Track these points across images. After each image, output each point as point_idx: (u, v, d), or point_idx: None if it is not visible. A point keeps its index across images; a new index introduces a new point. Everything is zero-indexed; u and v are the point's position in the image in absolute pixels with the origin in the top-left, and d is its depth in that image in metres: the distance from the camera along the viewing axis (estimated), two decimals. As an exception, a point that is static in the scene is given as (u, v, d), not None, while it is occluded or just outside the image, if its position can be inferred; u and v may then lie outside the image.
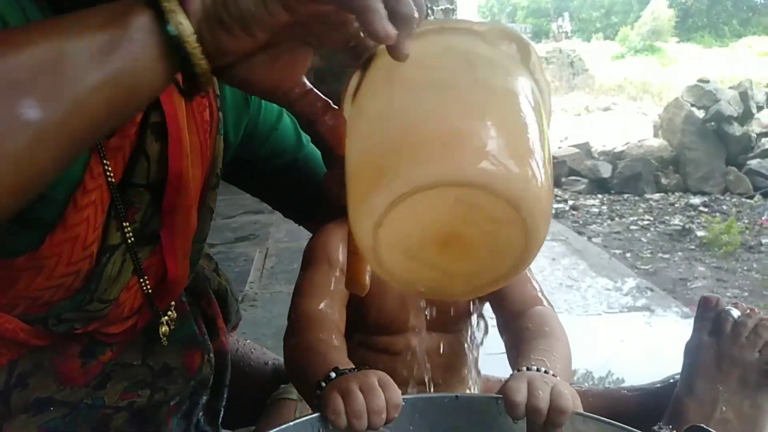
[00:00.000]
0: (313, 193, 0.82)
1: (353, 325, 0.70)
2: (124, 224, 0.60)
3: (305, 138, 0.82)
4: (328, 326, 0.64)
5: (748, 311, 0.74)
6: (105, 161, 0.57)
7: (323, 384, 0.53)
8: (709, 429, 0.50)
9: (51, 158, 0.38)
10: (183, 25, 0.39)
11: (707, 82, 5.72)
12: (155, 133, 0.60)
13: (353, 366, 0.55)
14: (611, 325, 1.83)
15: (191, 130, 0.63)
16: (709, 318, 0.78)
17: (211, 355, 0.79)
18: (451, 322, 0.72)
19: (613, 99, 10.48)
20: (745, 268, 3.37)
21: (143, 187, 0.60)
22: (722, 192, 4.94)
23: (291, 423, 0.51)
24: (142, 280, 0.64)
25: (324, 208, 0.85)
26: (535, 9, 23.05)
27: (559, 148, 5.78)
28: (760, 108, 5.53)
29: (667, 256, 3.58)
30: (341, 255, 0.69)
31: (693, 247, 3.74)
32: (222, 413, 0.83)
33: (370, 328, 0.71)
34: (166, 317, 0.71)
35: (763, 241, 3.77)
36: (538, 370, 0.55)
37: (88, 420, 0.67)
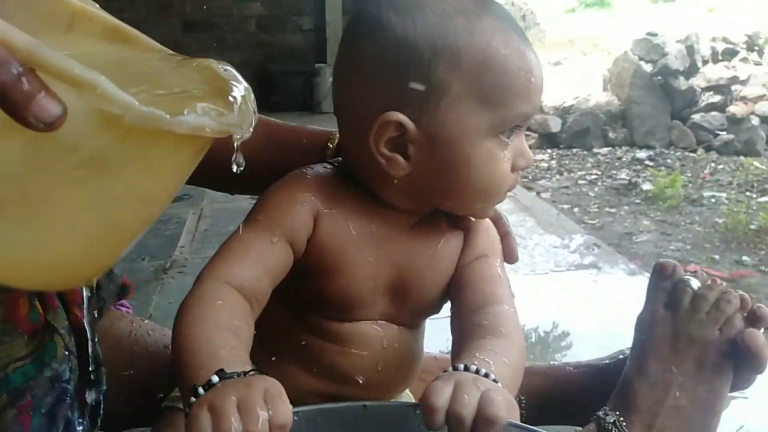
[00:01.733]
0: None
1: (305, 304, 0.58)
2: None
3: None
4: (238, 309, 0.50)
5: (710, 282, 0.66)
6: None
7: (201, 391, 0.41)
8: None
9: None
10: None
11: (655, 35, 5.71)
12: None
13: (250, 368, 0.43)
14: (558, 284, 1.79)
15: None
16: (665, 288, 0.69)
17: (66, 329, 0.65)
18: (420, 314, 0.60)
19: (563, 53, 10.45)
20: (688, 221, 3.41)
21: None
22: (667, 146, 5.00)
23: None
24: None
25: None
26: (488, -41, 22.61)
27: (510, 102, 5.71)
28: (705, 62, 5.57)
29: (613, 210, 3.60)
30: (298, 218, 0.54)
31: (639, 201, 3.77)
32: (102, 407, 0.70)
33: (327, 310, 0.58)
34: None
35: (705, 194, 3.83)
36: (477, 371, 0.44)
37: None
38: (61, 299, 0.67)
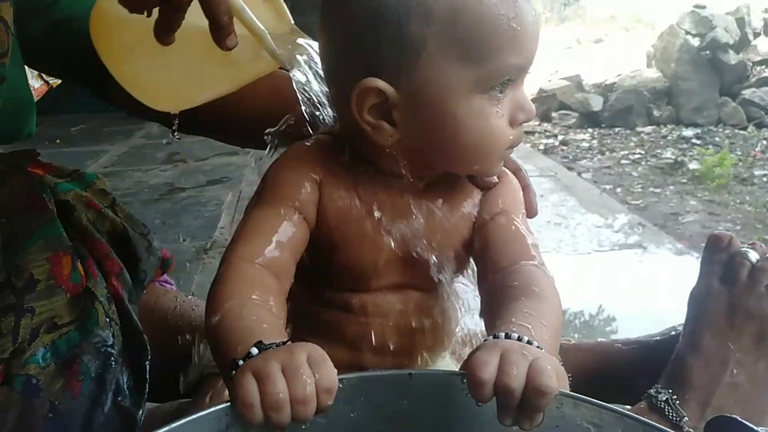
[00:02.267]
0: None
1: (319, 278, 0.57)
2: None
3: None
4: (266, 284, 0.50)
5: (769, 254, 0.62)
6: None
7: (240, 363, 0.41)
8: (744, 421, 0.38)
9: None
10: None
11: (703, 8, 5.47)
12: None
13: (286, 339, 0.43)
14: (602, 264, 1.75)
15: None
16: (720, 261, 0.66)
17: (105, 297, 0.66)
18: (426, 278, 0.58)
19: (605, 30, 10.14)
20: (738, 200, 3.28)
21: None
22: (716, 123, 4.81)
23: (190, 418, 0.39)
24: None
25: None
26: (526, -64, 22.00)
27: (549, 81, 5.57)
28: (757, 35, 5.32)
29: (658, 190, 3.49)
30: (304, 190, 0.54)
31: (685, 180, 3.64)
32: (148, 380, 0.71)
33: (340, 281, 0.57)
34: None
35: (756, 173, 3.67)
36: (519, 339, 0.42)
37: None
38: (100, 269, 0.69)
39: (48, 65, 0.82)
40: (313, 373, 0.39)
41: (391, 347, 0.57)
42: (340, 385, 0.40)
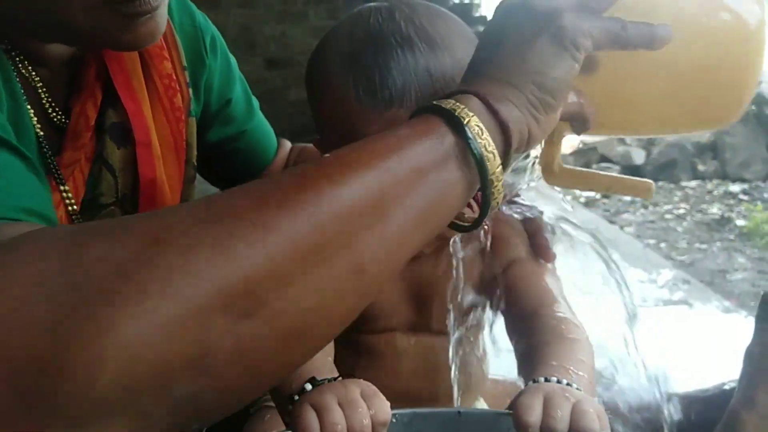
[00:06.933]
0: (256, 168, 0.73)
1: None
2: None
3: (255, 103, 0.71)
4: None
5: (827, 310, 0.61)
6: (62, 186, 0.47)
7: (296, 398, 0.43)
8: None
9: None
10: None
11: (748, 64, 5.42)
12: (116, 137, 0.50)
13: (337, 375, 0.45)
14: (645, 321, 1.70)
15: (160, 123, 0.53)
16: (775, 317, 0.65)
17: None
18: (438, 321, 0.60)
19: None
20: (790, 259, 3.17)
21: (113, 205, 0.51)
22: (763, 179, 4.70)
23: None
24: None
25: None
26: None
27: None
28: (805, 91, 5.23)
29: (704, 246, 3.40)
30: None
31: (732, 237, 3.54)
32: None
33: (354, 321, 0.60)
34: None
35: (809, 231, 3.55)
36: (559, 381, 0.44)
37: None
38: None
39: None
40: (369, 406, 0.41)
41: (411, 389, 0.59)
42: (393, 420, 0.41)
